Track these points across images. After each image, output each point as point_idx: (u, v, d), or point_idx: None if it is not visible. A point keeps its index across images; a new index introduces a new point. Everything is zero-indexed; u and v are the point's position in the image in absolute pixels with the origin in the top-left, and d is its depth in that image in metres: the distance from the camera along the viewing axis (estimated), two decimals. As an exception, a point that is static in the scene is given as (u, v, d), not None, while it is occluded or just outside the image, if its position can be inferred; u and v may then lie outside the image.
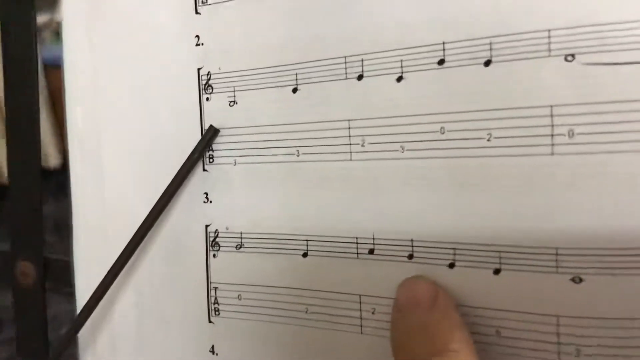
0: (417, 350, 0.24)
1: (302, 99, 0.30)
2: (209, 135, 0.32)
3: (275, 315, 0.32)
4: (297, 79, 0.30)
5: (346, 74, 0.28)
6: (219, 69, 0.32)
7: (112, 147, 0.37)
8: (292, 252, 0.31)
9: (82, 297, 0.37)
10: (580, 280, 0.24)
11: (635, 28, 0.23)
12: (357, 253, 0.29)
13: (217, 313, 0.34)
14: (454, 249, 0.26)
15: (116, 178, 0.37)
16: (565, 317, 0.25)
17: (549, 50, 0.24)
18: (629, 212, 0.24)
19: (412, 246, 0.27)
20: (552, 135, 0.24)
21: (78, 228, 0.38)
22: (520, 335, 0.26)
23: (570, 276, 0.24)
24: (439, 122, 0.26)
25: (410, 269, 0.27)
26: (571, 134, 0.24)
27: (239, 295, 0.33)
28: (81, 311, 0.35)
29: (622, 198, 0.24)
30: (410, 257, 0.27)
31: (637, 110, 0.24)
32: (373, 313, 0.28)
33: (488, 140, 0.25)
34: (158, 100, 0.34)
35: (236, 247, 0.32)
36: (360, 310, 0.29)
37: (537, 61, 0.24)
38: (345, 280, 0.29)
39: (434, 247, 0.27)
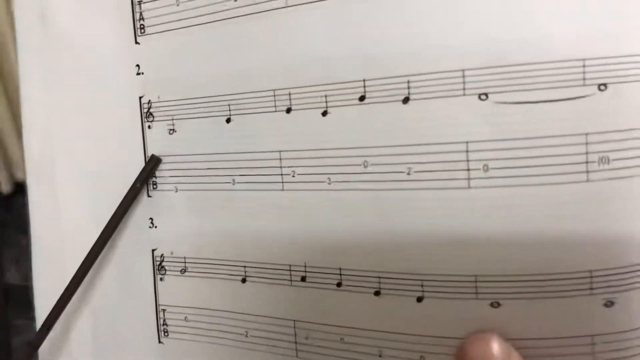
0: None
1: (235, 129, 0.31)
2: (151, 165, 0.33)
3: (219, 338, 0.33)
4: (230, 110, 0.31)
5: (275, 106, 0.29)
6: (159, 97, 0.33)
7: (65, 174, 0.37)
8: (232, 277, 0.32)
9: (42, 321, 0.38)
10: (499, 305, 0.25)
11: (541, 69, 0.24)
12: (291, 280, 0.30)
13: (166, 334, 0.35)
14: (379, 277, 0.27)
15: (70, 204, 0.37)
16: None
17: (464, 89, 0.25)
18: (540, 240, 0.25)
19: (341, 275, 0.28)
20: (468, 170, 0.25)
21: (36, 253, 0.39)
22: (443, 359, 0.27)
23: (489, 301, 0.26)
24: (362, 156, 0.27)
25: (339, 297, 0.28)
26: (486, 169, 0.25)
27: (185, 317, 0.34)
28: (38, 332, 0.36)
29: (533, 227, 0.25)
30: (339, 285, 0.28)
31: (545, 146, 0.24)
32: (307, 338, 0.30)
33: (408, 174, 0.26)
34: (105, 128, 0.35)
35: (181, 271, 0.33)
36: (295, 335, 0.30)
37: (452, 99, 0.25)
38: (280, 306, 0.30)
39: (361, 276, 0.28)
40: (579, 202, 0.25)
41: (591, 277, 0.25)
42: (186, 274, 0.33)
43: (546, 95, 0.24)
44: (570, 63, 0.24)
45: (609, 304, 0.25)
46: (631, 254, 0.25)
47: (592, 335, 0.25)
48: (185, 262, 0.33)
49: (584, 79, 0.24)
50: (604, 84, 0.24)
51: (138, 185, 0.33)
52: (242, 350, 0.32)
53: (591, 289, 0.25)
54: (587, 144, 0.24)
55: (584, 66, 0.24)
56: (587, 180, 0.24)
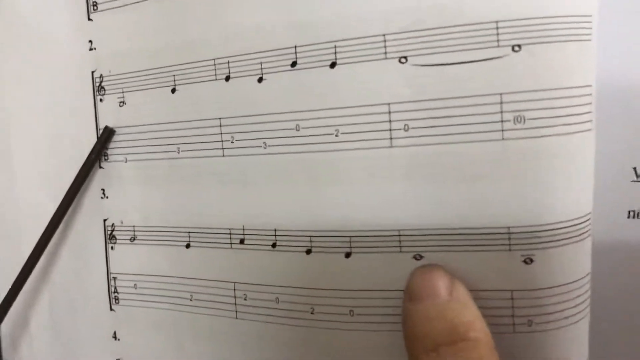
0: (438, 338, 0.24)
1: (180, 99, 0.32)
2: (105, 136, 0.35)
3: (166, 303, 0.34)
4: (175, 80, 0.32)
5: (215, 75, 0.30)
6: (110, 71, 0.34)
7: (20, 148, 0.39)
8: (177, 243, 0.33)
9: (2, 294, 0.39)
10: (421, 257, 0.27)
11: (456, 32, 0.25)
12: (231, 243, 0.31)
13: (117, 301, 0.36)
14: (310, 236, 0.29)
15: (26, 178, 0.39)
16: None
17: (385, 53, 0.26)
18: (458, 198, 0.26)
19: (276, 235, 0.30)
20: (390, 130, 0.27)
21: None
22: (371, 312, 0.28)
23: (413, 254, 0.27)
24: (294, 120, 0.28)
25: (274, 257, 0.30)
26: (407, 128, 0.26)
27: (135, 284, 0.35)
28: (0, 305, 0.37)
29: (451, 185, 0.26)
30: (274, 245, 0.30)
31: (461, 105, 0.26)
32: (245, 299, 0.31)
33: (336, 135, 0.28)
34: (58, 103, 0.37)
35: (130, 239, 0.35)
36: (235, 296, 0.31)
37: (375, 63, 0.27)
38: (221, 269, 0.31)
39: (293, 236, 0.29)
40: (495, 161, 0.26)
41: (509, 233, 0.26)
42: (135, 242, 0.34)
43: (461, 57, 0.26)
44: (484, 25, 0.25)
45: (529, 261, 0.26)
46: (549, 212, 0.26)
47: (511, 290, 0.26)
48: (134, 231, 0.34)
49: (498, 40, 0.25)
50: (518, 45, 0.25)
51: (93, 156, 0.34)
52: (187, 314, 0.33)
53: (509, 245, 0.26)
54: (501, 103, 0.25)
55: (497, 28, 0.25)
56: (503, 139, 0.26)
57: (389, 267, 0.27)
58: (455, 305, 0.25)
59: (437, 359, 0.23)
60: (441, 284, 0.26)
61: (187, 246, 0.32)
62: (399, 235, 0.27)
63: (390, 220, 0.27)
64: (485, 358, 0.24)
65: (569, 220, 0.26)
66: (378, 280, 0.27)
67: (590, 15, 0.26)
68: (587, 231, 0.26)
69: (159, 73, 0.32)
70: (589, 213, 0.26)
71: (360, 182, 0.27)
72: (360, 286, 0.28)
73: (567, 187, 0.26)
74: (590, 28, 0.26)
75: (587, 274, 0.27)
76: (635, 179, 0.29)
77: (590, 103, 0.26)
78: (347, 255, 0.28)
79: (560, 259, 0.26)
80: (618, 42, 0.29)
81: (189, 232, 0.32)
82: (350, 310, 0.28)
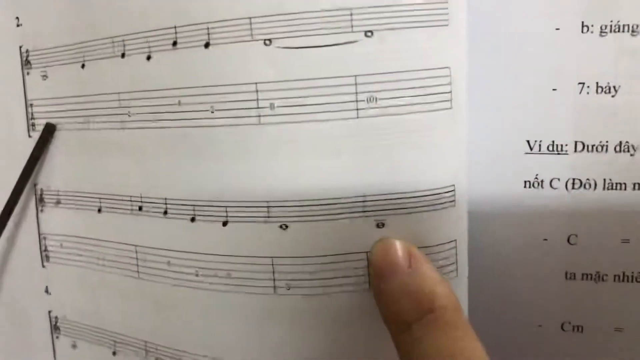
0: (407, 317, 0.24)
1: (88, 74, 0.34)
2: (46, 133, 0.37)
3: (84, 262, 0.37)
4: (84, 57, 0.34)
5: (113, 52, 0.33)
6: (34, 46, 0.37)
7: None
8: (91, 208, 0.36)
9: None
10: (286, 227, 0.29)
11: (314, 17, 0.27)
12: (131, 209, 0.34)
13: (47, 259, 0.39)
14: (194, 206, 0.31)
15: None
16: (277, 258, 0.30)
17: (252, 35, 0.28)
18: (319, 171, 0.28)
19: (166, 204, 0.32)
20: (258, 108, 0.29)
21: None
22: (245, 276, 0.30)
23: (279, 224, 0.29)
24: (177, 96, 0.31)
25: (166, 224, 0.32)
26: (272, 107, 0.28)
27: (61, 244, 0.38)
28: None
29: (315, 159, 0.28)
30: (165, 213, 0.32)
31: (321, 86, 0.28)
32: (145, 261, 0.34)
33: (212, 112, 0.30)
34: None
35: (56, 202, 0.38)
36: (137, 258, 0.34)
37: (243, 45, 0.29)
38: (126, 233, 0.34)
39: (180, 205, 0.32)
40: (352, 136, 0.28)
41: (364, 201, 0.28)
42: (60, 205, 0.37)
43: (320, 40, 0.27)
44: (339, 12, 0.27)
45: (381, 225, 0.28)
46: (401, 181, 0.28)
47: (365, 252, 0.28)
48: (58, 195, 0.37)
49: (352, 26, 0.27)
50: (370, 31, 0.27)
51: (36, 154, 0.37)
52: (101, 273, 0.36)
53: (364, 211, 0.28)
54: (356, 84, 0.27)
55: (351, 14, 0.27)
56: (358, 117, 0.27)
57: (259, 235, 0.30)
58: (415, 278, 0.25)
59: (412, 337, 0.24)
60: (399, 258, 0.26)
61: (99, 211, 0.35)
62: (268, 207, 0.29)
63: (260, 192, 0.29)
64: (454, 322, 0.24)
65: (423, 190, 0.28)
66: (251, 247, 0.30)
67: (446, 2, 0.27)
68: (448, 201, 0.28)
69: (71, 50, 0.35)
70: (452, 185, 0.28)
71: (233, 156, 0.29)
72: (236, 252, 0.30)
73: (422, 160, 0.28)
74: (447, 14, 0.27)
75: (450, 241, 0.29)
76: (529, 151, 0.31)
77: (448, 84, 0.27)
78: (224, 224, 0.30)
79: (411, 225, 0.28)
80: (510, 23, 0.30)
81: (100, 198, 0.35)
82: (228, 273, 0.31)
